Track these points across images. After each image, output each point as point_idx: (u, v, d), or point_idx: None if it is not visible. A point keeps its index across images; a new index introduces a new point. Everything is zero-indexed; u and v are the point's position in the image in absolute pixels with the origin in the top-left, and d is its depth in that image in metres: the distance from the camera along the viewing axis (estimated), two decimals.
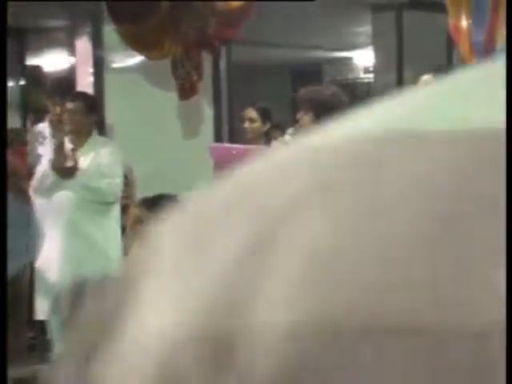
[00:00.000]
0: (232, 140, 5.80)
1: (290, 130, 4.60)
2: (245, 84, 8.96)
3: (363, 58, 12.11)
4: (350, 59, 12.75)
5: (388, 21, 8.17)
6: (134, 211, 6.11)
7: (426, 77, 6.43)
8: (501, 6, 4.14)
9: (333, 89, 4.65)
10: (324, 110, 4.28)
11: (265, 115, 5.63)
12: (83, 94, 5.73)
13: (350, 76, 12.76)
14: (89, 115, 5.37)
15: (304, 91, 4.50)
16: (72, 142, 5.30)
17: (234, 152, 4.42)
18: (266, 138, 5.70)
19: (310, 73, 13.52)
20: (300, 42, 10.64)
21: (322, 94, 4.42)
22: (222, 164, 5.03)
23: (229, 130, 6.90)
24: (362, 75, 12.47)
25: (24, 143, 7.14)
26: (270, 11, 7.13)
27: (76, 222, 5.24)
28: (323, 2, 7.51)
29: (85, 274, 5.21)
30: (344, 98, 4.48)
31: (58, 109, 5.74)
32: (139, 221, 6.07)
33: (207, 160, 6.81)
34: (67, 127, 5.26)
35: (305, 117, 4.35)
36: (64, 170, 5.10)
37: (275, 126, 6.13)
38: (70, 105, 5.24)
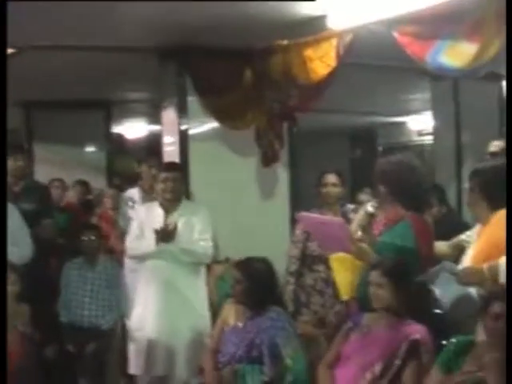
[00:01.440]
0: (308, 204, 6.06)
1: (372, 203, 4.71)
2: (308, 149, 9.32)
3: (417, 123, 12.48)
4: (403, 124, 13.09)
5: (446, 88, 8.48)
6: (217, 269, 6.43)
7: (496, 142, 6.61)
8: None
9: (398, 157, 4.58)
10: (397, 179, 4.45)
11: (343, 180, 5.82)
12: (178, 165, 6.13)
13: (403, 140, 13.08)
14: (183, 183, 5.77)
15: (377, 164, 4.54)
16: (164, 207, 5.63)
17: (321, 222, 4.63)
18: (341, 202, 5.83)
19: (365, 137, 13.92)
20: (357, 108, 11.02)
21: (389, 165, 4.45)
22: (310, 231, 5.32)
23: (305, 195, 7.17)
24: (415, 138, 12.78)
25: (106, 207, 7.53)
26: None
27: (172, 283, 5.52)
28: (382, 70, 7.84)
29: (179, 331, 5.52)
30: (415, 162, 4.47)
31: (151, 176, 6.11)
32: (221, 279, 6.40)
33: (283, 224, 7.14)
34: (167, 195, 5.58)
35: (381, 189, 4.49)
36: (164, 234, 5.39)
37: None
38: (169, 174, 5.57)
